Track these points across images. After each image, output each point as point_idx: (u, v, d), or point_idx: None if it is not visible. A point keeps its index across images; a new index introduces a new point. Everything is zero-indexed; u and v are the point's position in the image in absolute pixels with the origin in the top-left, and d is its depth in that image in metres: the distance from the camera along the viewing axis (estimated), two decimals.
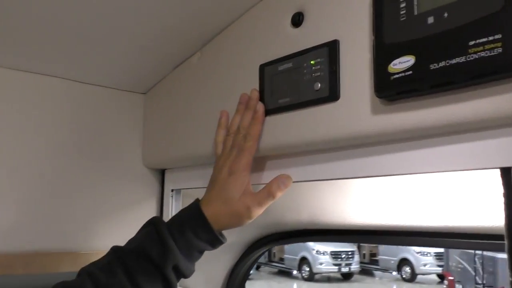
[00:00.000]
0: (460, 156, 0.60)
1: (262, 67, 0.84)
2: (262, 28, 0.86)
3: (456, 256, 10.88)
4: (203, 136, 0.97)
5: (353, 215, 0.96)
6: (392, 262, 12.75)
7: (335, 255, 12.48)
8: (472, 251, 9.88)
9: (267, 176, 0.86)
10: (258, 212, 0.79)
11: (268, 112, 0.82)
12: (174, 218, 0.80)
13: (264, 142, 0.81)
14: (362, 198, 0.93)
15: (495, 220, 0.79)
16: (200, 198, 0.82)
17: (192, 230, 0.77)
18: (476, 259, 10.15)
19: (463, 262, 10.56)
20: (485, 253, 9.75)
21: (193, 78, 1.03)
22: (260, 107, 0.81)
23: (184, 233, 0.76)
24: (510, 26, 0.50)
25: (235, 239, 1.19)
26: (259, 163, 0.86)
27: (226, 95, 0.92)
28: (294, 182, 0.80)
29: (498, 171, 0.57)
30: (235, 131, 0.84)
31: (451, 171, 0.61)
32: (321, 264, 12.44)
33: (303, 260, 12.80)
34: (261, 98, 0.83)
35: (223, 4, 0.89)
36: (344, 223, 0.98)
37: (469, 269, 10.39)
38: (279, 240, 1.13)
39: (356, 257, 12.80)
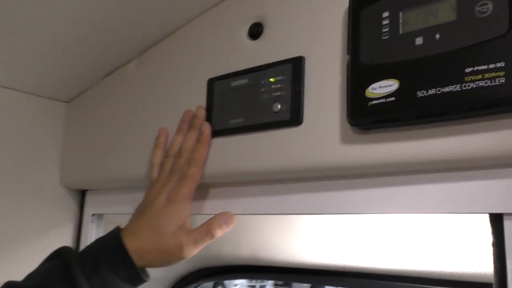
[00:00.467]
0: (443, 198, 0.52)
1: (211, 82, 0.74)
2: (213, 38, 0.76)
3: None
4: (134, 156, 0.84)
5: (304, 253, 0.86)
6: None
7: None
8: None
9: (210, 206, 0.74)
10: (192, 252, 0.68)
11: (216, 133, 0.71)
12: (87, 249, 0.66)
13: (210, 167, 0.70)
14: (316, 235, 0.84)
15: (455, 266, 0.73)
16: (121, 227, 0.69)
17: (110, 266, 0.63)
18: None
19: None
20: None
21: (127, 88, 0.90)
22: (207, 127, 0.71)
23: (100, 270, 0.62)
24: None
25: (162, 273, 1.05)
26: (201, 191, 0.74)
27: (167, 110, 0.80)
28: (242, 214, 0.70)
29: (486, 218, 0.50)
30: (176, 153, 0.72)
31: (431, 214, 0.53)
32: (235, 286, 12.33)
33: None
34: (208, 117, 0.73)
35: (169, 8, 0.77)
36: (292, 261, 0.88)
37: None
38: (214, 276, 1.01)
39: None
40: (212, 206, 0.74)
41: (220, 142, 0.70)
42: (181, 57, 0.80)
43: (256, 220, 0.89)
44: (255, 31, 0.70)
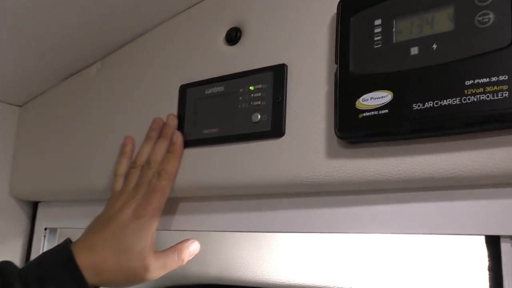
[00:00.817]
0: (437, 218, 0.49)
1: (184, 88, 0.69)
2: (187, 41, 0.71)
3: None
4: (93, 166, 0.77)
5: (278, 272, 0.82)
6: None
7: None
8: None
9: (179, 222, 0.69)
10: (158, 275, 0.62)
11: (188, 143, 0.66)
12: (31, 264, 0.59)
13: (181, 180, 0.65)
14: (292, 254, 0.80)
15: None
16: (72, 240, 0.62)
17: (56, 283, 0.56)
18: None
19: None
20: None
21: (87, 93, 0.84)
22: (178, 137, 0.65)
23: None
24: None
25: None
26: (169, 205, 0.69)
27: (133, 118, 0.74)
28: (215, 231, 0.65)
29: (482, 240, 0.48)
30: (144, 164, 0.67)
31: (424, 235, 0.50)
32: None
33: None
34: (180, 126, 0.67)
35: (137, 9, 0.72)
36: (264, 280, 0.83)
37: None
38: None
39: None
40: (181, 222, 0.68)
41: (193, 153, 0.65)
42: (150, 61, 0.74)
43: (226, 236, 0.84)
44: (233, 36, 0.65)
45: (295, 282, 0.80)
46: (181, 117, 0.68)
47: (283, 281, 0.81)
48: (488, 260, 0.47)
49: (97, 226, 0.64)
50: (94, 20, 0.73)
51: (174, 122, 0.67)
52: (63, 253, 0.59)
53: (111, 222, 0.62)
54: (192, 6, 0.72)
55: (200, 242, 0.68)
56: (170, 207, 0.69)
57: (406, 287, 0.72)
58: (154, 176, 0.64)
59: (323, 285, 0.78)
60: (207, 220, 0.66)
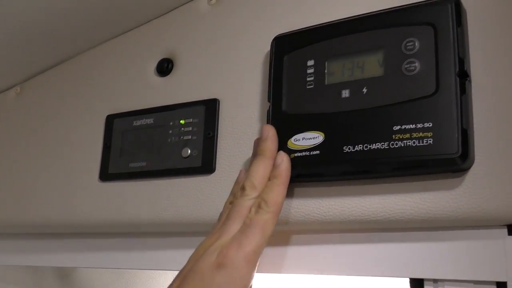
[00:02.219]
0: (363, 259, 0.50)
1: (111, 119, 0.66)
2: (116, 70, 0.68)
3: None
4: (23, 197, 0.71)
5: None
6: None
7: None
8: None
9: (94, 259, 0.65)
10: None
11: (114, 177, 0.63)
12: None
13: (101, 216, 0.62)
14: None
15: None
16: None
17: None
18: None
19: None
20: None
21: (4, 119, 0.78)
22: (284, 158, 0.49)
23: None
24: (443, 115, 0.43)
25: None
26: (99, 242, 0.65)
27: (54, 147, 0.70)
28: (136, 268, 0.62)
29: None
30: (237, 192, 0.50)
31: (347, 276, 0.50)
32: None
33: None
34: (105, 159, 0.64)
35: (66, 30, 0.69)
36: None
37: None
38: None
39: None
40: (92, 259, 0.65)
41: (118, 187, 0.62)
42: (76, 87, 0.71)
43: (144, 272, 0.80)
44: (164, 67, 0.64)
45: None
46: (106, 148, 0.64)
47: None
48: None
49: (176, 284, 0.45)
50: (16, 39, 0.69)
51: (271, 134, 0.50)
52: None
53: (188, 279, 0.44)
54: (123, 33, 0.69)
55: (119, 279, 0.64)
56: (90, 243, 0.65)
57: None
58: (252, 209, 0.47)
59: None
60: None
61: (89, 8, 0.64)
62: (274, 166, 0.49)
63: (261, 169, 0.49)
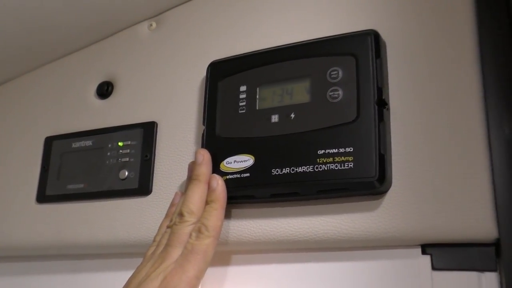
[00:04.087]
0: (291, 279, 0.51)
1: (49, 140, 0.66)
2: (55, 92, 0.68)
3: None
4: None
5: None
6: None
7: None
8: None
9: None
10: None
11: (51, 199, 0.63)
12: None
13: (40, 238, 0.61)
14: None
15: None
16: None
17: None
18: None
19: None
20: None
21: None
22: (219, 181, 0.50)
23: None
24: (363, 141, 0.46)
25: None
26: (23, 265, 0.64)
27: None
28: None
29: None
30: (175, 218, 0.50)
31: None
32: None
33: None
34: (42, 181, 0.64)
35: (4, 52, 0.68)
36: None
37: None
38: None
39: None
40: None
41: (54, 209, 0.62)
42: (15, 108, 0.70)
43: None
44: (104, 90, 0.65)
45: None
46: (44, 171, 0.64)
47: None
48: None
49: None
50: None
51: (206, 158, 0.51)
52: None
53: None
54: (65, 55, 0.70)
55: None
56: (37, 267, 0.64)
57: None
58: (192, 234, 0.48)
59: None
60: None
61: (30, 32, 0.64)
62: (210, 189, 0.50)
63: (197, 194, 0.50)
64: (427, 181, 0.45)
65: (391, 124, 0.48)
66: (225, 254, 0.55)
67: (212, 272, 0.55)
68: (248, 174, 0.50)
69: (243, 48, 0.56)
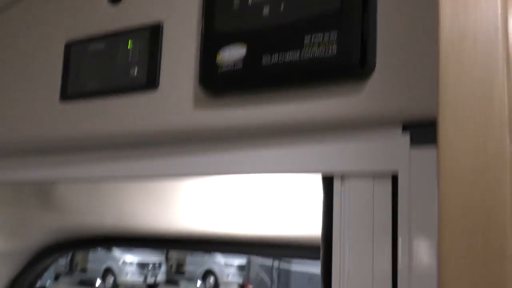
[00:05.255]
0: (284, 159, 0.55)
1: (69, 46, 0.71)
2: (72, 1, 0.73)
3: (256, 268, 11.65)
4: None
5: (164, 221, 0.86)
6: (198, 272, 13.04)
7: (142, 266, 12.33)
8: (270, 264, 10.83)
9: (64, 172, 0.72)
10: None
11: (70, 96, 0.69)
12: None
13: (62, 131, 0.68)
14: (176, 203, 0.84)
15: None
16: None
17: None
18: (274, 271, 11.01)
19: (262, 274, 11.38)
20: (281, 266, 10.72)
21: None
22: None
23: None
24: (348, 26, 0.47)
25: (14, 247, 0.99)
26: (57, 157, 0.71)
27: (17, 76, 0.75)
28: (96, 180, 0.68)
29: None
30: None
31: (272, 173, 0.56)
32: (126, 275, 12.19)
33: (108, 271, 12.29)
34: (64, 82, 0.70)
35: None
36: (154, 229, 0.88)
37: (266, 280, 11.24)
38: (74, 247, 0.97)
39: (163, 268, 12.83)
40: (67, 171, 0.71)
41: (75, 106, 0.68)
42: (36, 18, 0.75)
43: (118, 188, 0.87)
44: None
45: (180, 229, 0.85)
46: (66, 73, 0.70)
47: (176, 229, 0.86)
48: (323, 197, 0.54)
49: None
50: None
51: None
52: None
53: None
54: None
55: (93, 194, 0.71)
56: (58, 159, 0.72)
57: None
58: None
59: (204, 230, 0.84)
60: (89, 168, 0.69)
61: None
62: None
63: None
64: (409, 63, 0.46)
65: (378, 5, 0.49)
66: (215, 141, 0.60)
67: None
68: (240, 66, 0.53)
69: None
